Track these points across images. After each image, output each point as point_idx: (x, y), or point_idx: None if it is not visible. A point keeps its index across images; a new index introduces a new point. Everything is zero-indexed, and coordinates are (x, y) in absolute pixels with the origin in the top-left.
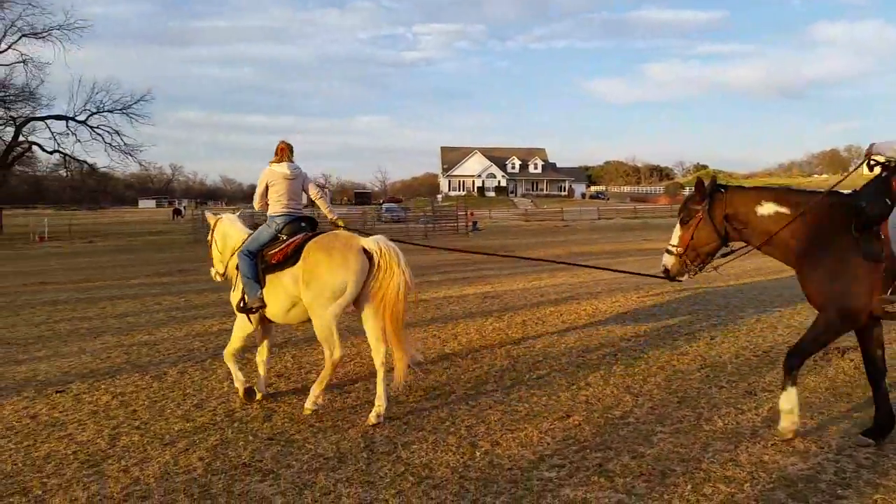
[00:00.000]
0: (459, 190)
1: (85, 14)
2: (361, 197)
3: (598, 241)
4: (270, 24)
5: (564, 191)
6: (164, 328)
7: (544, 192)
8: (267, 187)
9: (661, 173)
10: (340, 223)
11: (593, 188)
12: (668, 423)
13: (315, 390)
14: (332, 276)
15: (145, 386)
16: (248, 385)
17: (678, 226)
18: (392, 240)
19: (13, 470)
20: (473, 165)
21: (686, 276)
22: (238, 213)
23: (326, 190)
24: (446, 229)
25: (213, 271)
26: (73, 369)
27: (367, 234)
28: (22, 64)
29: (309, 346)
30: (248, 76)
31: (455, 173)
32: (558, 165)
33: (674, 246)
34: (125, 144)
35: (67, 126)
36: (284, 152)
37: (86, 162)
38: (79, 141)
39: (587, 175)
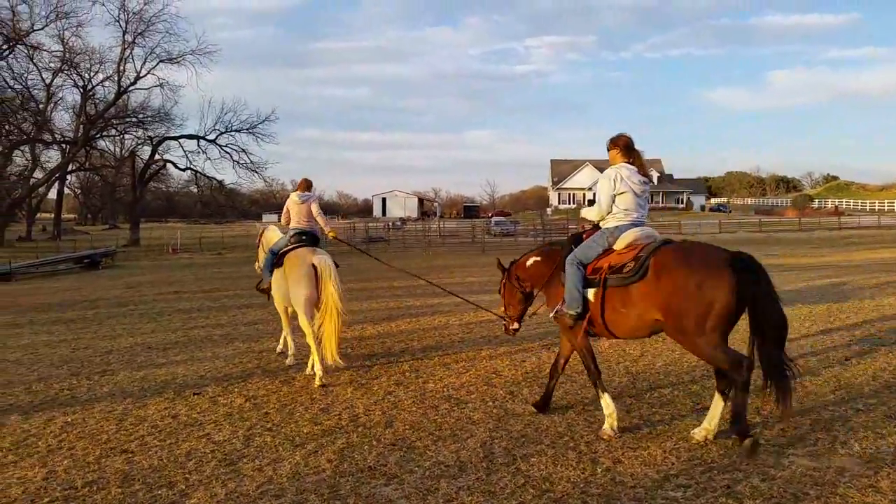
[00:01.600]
0: (570, 203)
1: (215, 39)
2: (470, 210)
3: None
4: (385, 44)
5: (682, 203)
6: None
7: (660, 204)
8: (287, 209)
9: (787, 184)
10: (332, 234)
11: (713, 200)
12: (801, 446)
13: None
14: (291, 281)
15: (275, 390)
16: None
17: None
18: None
19: (159, 465)
20: (585, 178)
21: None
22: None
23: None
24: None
25: (256, 265)
26: (209, 373)
27: (351, 245)
28: (159, 87)
29: (425, 356)
30: (363, 95)
31: (565, 186)
32: (675, 177)
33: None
34: (251, 162)
35: (198, 145)
36: (302, 185)
37: (215, 178)
38: (209, 159)
39: (707, 186)
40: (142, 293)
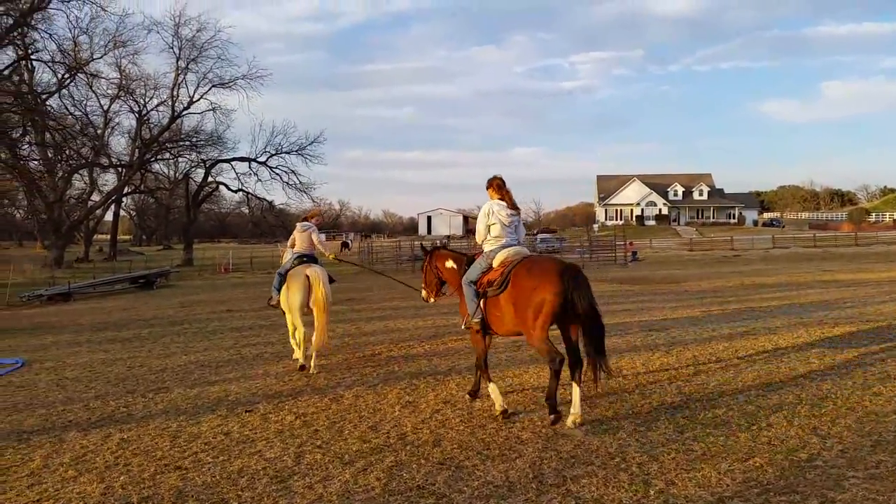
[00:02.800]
0: (617, 219)
1: (266, 64)
2: None
3: (771, 272)
4: (431, 64)
5: (733, 218)
6: (339, 354)
7: (711, 219)
8: (294, 236)
9: (842, 198)
10: (331, 256)
11: (766, 215)
12: (862, 468)
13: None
14: (290, 291)
15: (324, 407)
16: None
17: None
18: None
19: (212, 481)
20: (631, 193)
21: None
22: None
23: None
24: (604, 259)
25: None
26: (260, 390)
27: (355, 264)
28: (211, 111)
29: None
30: (407, 115)
31: (612, 202)
32: (726, 191)
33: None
34: (300, 183)
35: (249, 167)
36: (308, 217)
37: (265, 199)
38: (259, 180)
39: (759, 201)
40: (195, 312)
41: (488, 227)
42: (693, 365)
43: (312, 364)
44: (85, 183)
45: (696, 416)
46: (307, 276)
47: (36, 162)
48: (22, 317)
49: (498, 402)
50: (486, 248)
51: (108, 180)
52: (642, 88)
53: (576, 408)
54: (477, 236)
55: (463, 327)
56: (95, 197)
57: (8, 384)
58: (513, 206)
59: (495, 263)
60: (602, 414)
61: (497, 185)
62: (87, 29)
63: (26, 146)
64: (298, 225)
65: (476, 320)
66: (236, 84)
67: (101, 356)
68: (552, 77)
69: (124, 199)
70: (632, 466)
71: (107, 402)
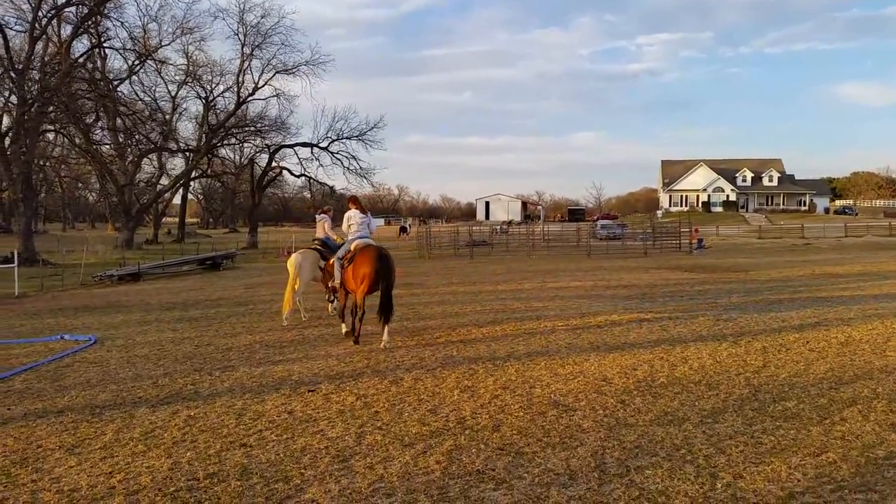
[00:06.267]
0: (682, 205)
1: (328, 49)
2: (575, 213)
3: (844, 261)
4: (493, 48)
5: (804, 205)
6: (397, 337)
7: (780, 206)
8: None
9: None
10: (338, 240)
11: (838, 202)
12: None
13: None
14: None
15: (384, 389)
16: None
17: None
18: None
19: (276, 459)
20: (698, 179)
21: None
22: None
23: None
24: (668, 247)
25: None
26: (322, 371)
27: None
28: (275, 97)
29: (531, 361)
30: (467, 100)
31: (677, 187)
32: (797, 177)
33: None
34: (360, 168)
35: (312, 152)
36: (324, 210)
37: (326, 184)
38: (321, 165)
39: (831, 188)
40: (259, 293)
41: (349, 225)
42: (762, 356)
43: (284, 316)
44: (154, 167)
45: (766, 409)
46: (295, 257)
47: (108, 146)
48: (94, 296)
49: (344, 328)
50: (349, 237)
51: (177, 165)
52: (711, 71)
53: (385, 336)
54: (345, 230)
55: (331, 285)
56: (164, 181)
57: (82, 360)
58: (363, 211)
59: (352, 248)
60: (667, 405)
61: (353, 200)
62: (156, 16)
63: (99, 131)
64: (317, 216)
65: (337, 282)
66: (299, 70)
67: (170, 335)
68: (617, 59)
69: (192, 183)
70: (698, 459)
71: (175, 380)
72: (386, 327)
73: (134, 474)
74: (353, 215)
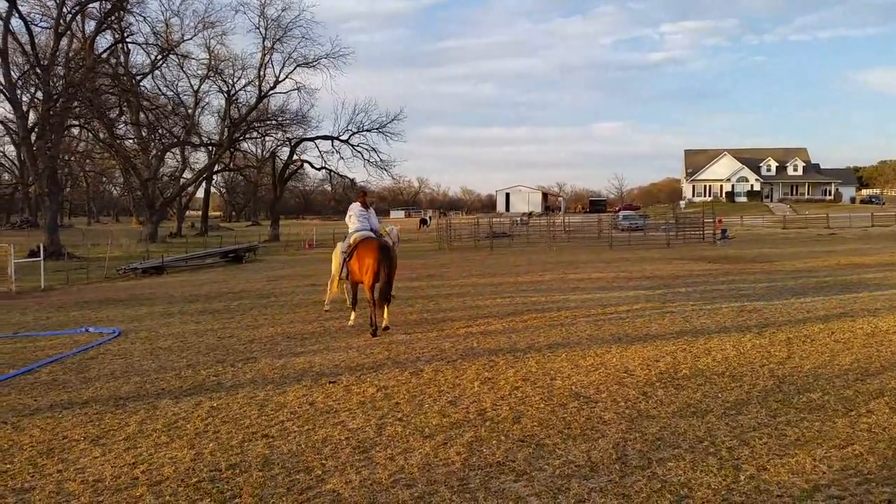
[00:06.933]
0: (705, 195)
1: (349, 42)
2: (596, 205)
3: (870, 251)
4: (514, 38)
5: (829, 195)
6: (417, 329)
7: (805, 196)
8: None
9: None
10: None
11: (865, 191)
12: None
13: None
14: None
15: (404, 381)
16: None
17: None
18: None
19: (297, 450)
20: (721, 169)
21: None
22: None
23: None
24: (691, 238)
25: None
26: (342, 362)
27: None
28: (296, 91)
29: (552, 353)
30: (488, 91)
31: (700, 177)
32: (822, 167)
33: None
34: (380, 160)
35: (332, 145)
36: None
37: (347, 177)
38: (342, 158)
39: (857, 177)
40: (281, 286)
41: (349, 216)
42: (786, 347)
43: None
44: (177, 161)
45: (790, 400)
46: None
47: (131, 141)
48: (118, 289)
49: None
50: (350, 230)
51: (199, 158)
52: (735, 59)
53: (384, 320)
54: (346, 222)
55: (337, 277)
56: (187, 174)
57: (106, 352)
58: (366, 207)
59: (352, 241)
60: (690, 396)
61: (361, 194)
62: (178, 11)
63: (122, 126)
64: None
65: (343, 275)
66: (320, 63)
67: (193, 327)
68: (640, 48)
69: (215, 177)
70: (721, 451)
71: (197, 371)
72: (385, 309)
73: (157, 465)
74: (354, 209)
